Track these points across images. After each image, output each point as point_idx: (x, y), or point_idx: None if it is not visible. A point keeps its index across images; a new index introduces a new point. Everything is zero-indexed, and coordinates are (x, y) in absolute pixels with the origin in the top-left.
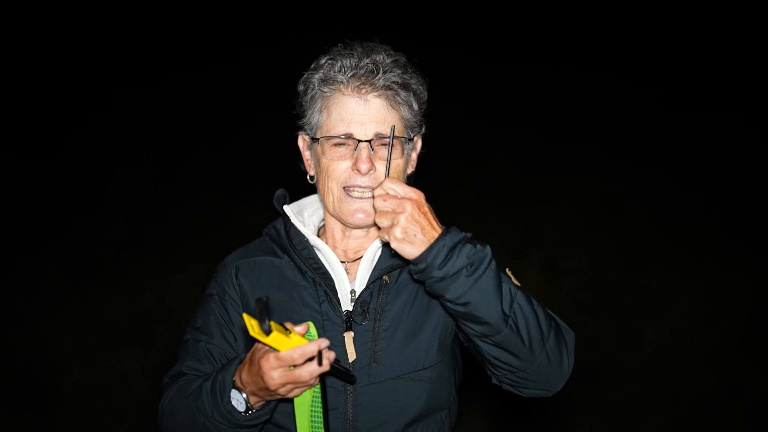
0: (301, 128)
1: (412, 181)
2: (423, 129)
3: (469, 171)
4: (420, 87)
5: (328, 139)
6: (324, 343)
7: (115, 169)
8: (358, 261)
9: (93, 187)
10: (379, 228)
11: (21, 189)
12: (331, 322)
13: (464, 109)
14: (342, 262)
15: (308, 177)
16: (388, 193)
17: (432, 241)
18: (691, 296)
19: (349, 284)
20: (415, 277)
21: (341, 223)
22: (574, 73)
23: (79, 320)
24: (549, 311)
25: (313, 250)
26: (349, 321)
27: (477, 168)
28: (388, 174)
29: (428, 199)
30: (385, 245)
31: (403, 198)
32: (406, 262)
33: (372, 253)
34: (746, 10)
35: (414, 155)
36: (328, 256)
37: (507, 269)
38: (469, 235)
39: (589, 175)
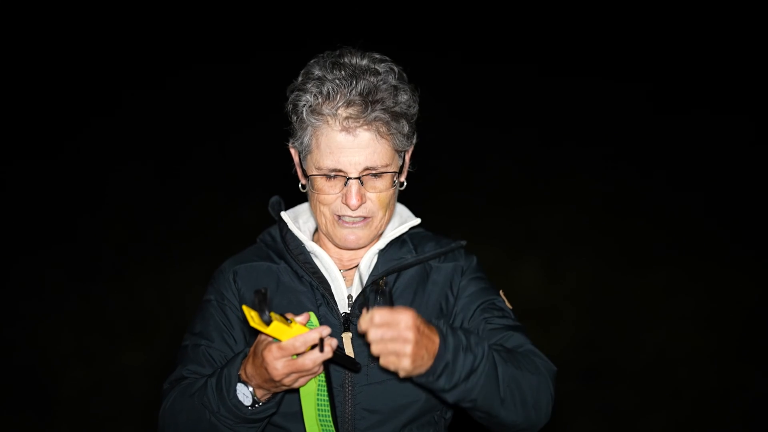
0: (290, 138)
1: (404, 187)
2: (414, 139)
3: (468, 172)
4: (411, 103)
5: (319, 175)
6: (326, 330)
7: (115, 169)
8: (354, 269)
9: (93, 186)
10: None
11: (21, 189)
12: (329, 324)
13: (464, 109)
14: (339, 270)
15: (300, 185)
16: (383, 336)
17: (435, 354)
18: (691, 296)
19: (346, 289)
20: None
21: (332, 243)
22: (574, 73)
23: (79, 320)
24: (532, 351)
25: (310, 255)
26: (347, 323)
27: (476, 169)
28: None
29: (430, 200)
30: (381, 252)
31: (400, 327)
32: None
33: (368, 259)
34: (748, 9)
35: (406, 159)
36: (324, 262)
37: (501, 291)
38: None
39: (589, 175)
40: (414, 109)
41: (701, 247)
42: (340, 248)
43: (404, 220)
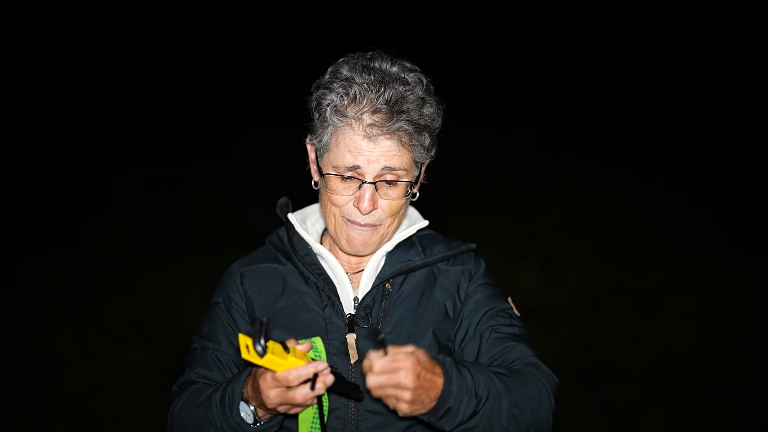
0: (309, 134)
1: (416, 198)
2: (433, 152)
3: (469, 172)
4: (435, 116)
5: (336, 175)
6: (321, 365)
7: (115, 170)
8: (361, 272)
9: (93, 187)
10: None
11: (21, 189)
12: (334, 326)
13: (464, 110)
14: (346, 273)
15: (313, 183)
16: (381, 384)
17: (438, 396)
18: (691, 296)
19: (353, 292)
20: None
21: (338, 246)
22: (574, 73)
23: (79, 320)
24: (534, 364)
25: (316, 257)
26: (352, 324)
27: (477, 169)
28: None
29: (430, 200)
30: (389, 254)
31: (400, 376)
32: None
33: (375, 262)
34: (745, 8)
35: (422, 169)
36: (331, 263)
37: (509, 298)
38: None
39: (589, 175)
40: (437, 123)
41: (701, 247)
42: (346, 252)
43: (413, 222)
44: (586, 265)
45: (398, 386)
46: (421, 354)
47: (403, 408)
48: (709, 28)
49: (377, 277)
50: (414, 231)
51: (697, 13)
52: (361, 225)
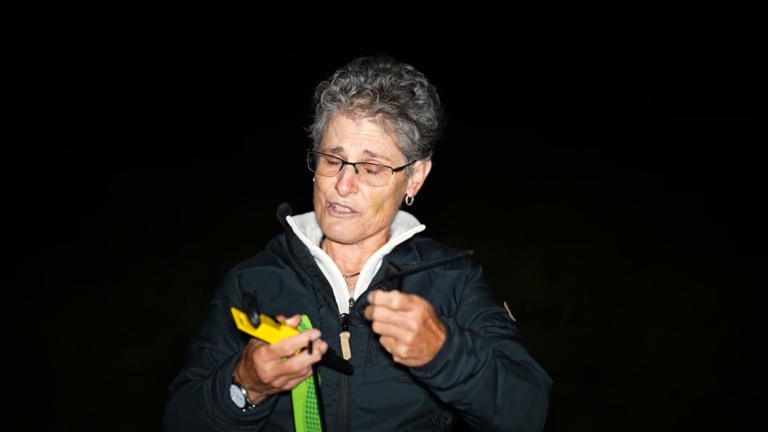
0: (311, 126)
1: (410, 203)
2: (430, 154)
3: (469, 171)
4: (430, 117)
5: (321, 153)
6: (315, 333)
7: (115, 169)
8: (357, 275)
9: (93, 187)
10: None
11: (21, 189)
12: (329, 326)
13: (464, 109)
14: (342, 276)
15: (314, 179)
16: (388, 318)
17: (437, 351)
18: (691, 296)
19: (349, 294)
20: (415, 375)
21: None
22: (575, 72)
23: (79, 320)
24: (529, 363)
25: (314, 259)
26: (346, 324)
27: (477, 168)
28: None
29: (430, 201)
30: (386, 257)
31: (408, 316)
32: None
33: (372, 264)
34: (748, 9)
35: (418, 177)
36: (328, 266)
37: (505, 303)
38: (467, 342)
39: (589, 175)
40: (432, 124)
41: (702, 247)
42: (329, 239)
43: (410, 227)
44: (586, 265)
45: (402, 326)
46: (430, 307)
47: (401, 351)
48: (712, 27)
49: (373, 280)
50: (411, 234)
51: (703, 13)
52: (342, 208)
